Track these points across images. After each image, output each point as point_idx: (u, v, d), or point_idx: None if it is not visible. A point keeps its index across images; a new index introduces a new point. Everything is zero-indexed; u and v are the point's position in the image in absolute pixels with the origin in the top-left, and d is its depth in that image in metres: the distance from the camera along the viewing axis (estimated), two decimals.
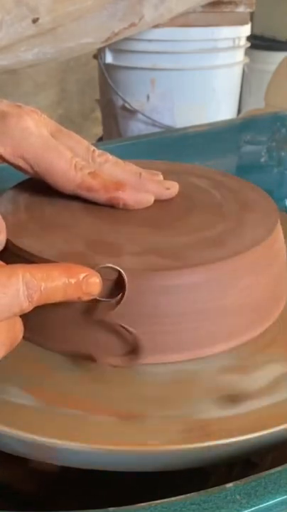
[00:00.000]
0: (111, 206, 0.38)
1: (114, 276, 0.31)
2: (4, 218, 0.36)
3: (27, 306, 0.28)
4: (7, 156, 0.37)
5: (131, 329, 0.31)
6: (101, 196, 0.38)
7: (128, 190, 0.38)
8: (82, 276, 0.30)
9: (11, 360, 0.30)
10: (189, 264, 0.32)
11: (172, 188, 0.40)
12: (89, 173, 0.37)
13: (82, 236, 0.35)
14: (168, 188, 0.40)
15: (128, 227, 0.36)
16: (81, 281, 0.30)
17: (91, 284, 0.30)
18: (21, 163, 0.37)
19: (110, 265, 0.31)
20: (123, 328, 0.32)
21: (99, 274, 0.30)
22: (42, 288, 0.28)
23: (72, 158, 0.37)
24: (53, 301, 0.29)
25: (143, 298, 0.32)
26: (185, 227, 0.36)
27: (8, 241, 0.35)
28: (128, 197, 0.38)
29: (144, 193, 0.38)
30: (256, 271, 0.35)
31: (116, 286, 0.31)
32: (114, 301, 0.31)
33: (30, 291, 0.27)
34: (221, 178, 0.44)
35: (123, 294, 0.31)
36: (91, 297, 0.30)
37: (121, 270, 0.31)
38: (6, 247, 0.35)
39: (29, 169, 0.37)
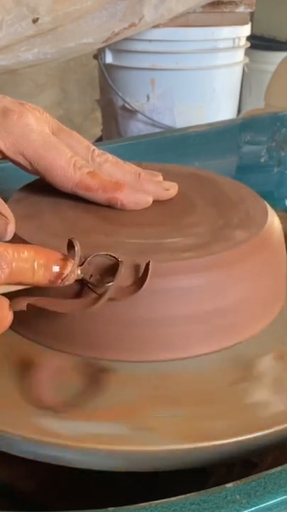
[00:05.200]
0: (109, 206, 0.38)
1: (110, 264, 0.31)
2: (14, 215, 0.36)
3: None
4: (7, 151, 0.37)
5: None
6: (100, 196, 0.38)
7: (126, 190, 0.38)
8: (53, 257, 0.29)
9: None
10: (186, 265, 0.33)
11: (172, 189, 0.40)
12: (88, 173, 0.37)
13: (82, 235, 0.35)
14: (167, 189, 0.40)
15: (128, 227, 0.36)
16: (51, 262, 0.29)
17: (62, 265, 0.29)
18: (21, 159, 0.37)
19: (104, 253, 0.31)
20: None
21: (73, 260, 0.30)
22: (13, 265, 0.28)
23: (71, 157, 0.37)
24: (23, 282, 0.29)
25: (140, 297, 0.32)
26: (183, 228, 0.36)
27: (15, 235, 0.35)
28: (126, 197, 0.38)
29: (142, 194, 0.38)
30: (253, 268, 0.35)
31: (111, 275, 0.31)
32: (106, 287, 0.30)
33: (2, 263, 0.27)
34: (218, 179, 0.44)
35: (118, 275, 0.31)
36: (66, 283, 0.30)
37: (117, 257, 0.31)
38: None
39: (28, 166, 0.37)
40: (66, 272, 0.29)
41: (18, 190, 0.41)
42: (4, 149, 0.37)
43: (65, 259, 0.30)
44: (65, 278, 0.29)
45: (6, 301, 0.29)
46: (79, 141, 0.39)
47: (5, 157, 0.37)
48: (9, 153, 0.37)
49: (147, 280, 0.31)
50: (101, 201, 0.38)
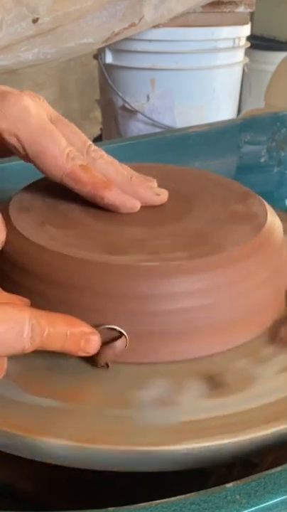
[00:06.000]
0: (93, 203, 0.38)
1: (115, 336, 0.32)
2: (15, 218, 0.36)
3: (28, 348, 0.28)
4: (3, 133, 0.36)
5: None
6: (88, 191, 0.37)
7: (114, 190, 0.37)
8: (83, 331, 0.30)
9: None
10: (184, 266, 0.33)
11: (162, 195, 0.39)
12: (81, 166, 0.37)
13: (84, 235, 0.35)
14: (158, 195, 0.39)
15: (130, 227, 0.36)
16: (81, 336, 0.30)
17: (90, 341, 0.30)
18: (14, 141, 0.36)
19: (113, 326, 0.32)
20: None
21: (98, 333, 0.31)
22: (45, 333, 0.28)
23: (66, 146, 0.36)
24: (51, 349, 0.29)
25: (143, 298, 0.32)
26: (182, 229, 0.37)
27: (13, 238, 0.35)
28: (114, 197, 0.37)
29: (129, 197, 0.38)
30: (254, 269, 0.35)
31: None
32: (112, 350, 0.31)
33: (33, 333, 0.28)
34: (217, 179, 0.44)
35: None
36: (87, 354, 0.31)
37: (123, 332, 0.32)
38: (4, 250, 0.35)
39: (21, 150, 0.36)
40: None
41: (20, 192, 0.41)
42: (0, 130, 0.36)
43: (93, 333, 0.31)
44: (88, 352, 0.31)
45: (5, 360, 0.30)
46: (76, 133, 0.39)
47: (0, 139, 0.37)
48: (5, 134, 0.36)
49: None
50: (87, 196, 0.37)
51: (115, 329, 0.32)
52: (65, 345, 0.30)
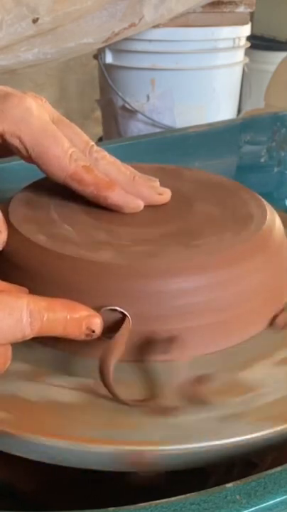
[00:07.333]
0: (96, 203, 0.38)
1: (118, 317, 0.32)
2: (15, 218, 0.36)
3: (29, 333, 0.28)
4: (5, 134, 0.36)
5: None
6: (91, 192, 0.37)
7: (117, 190, 0.37)
8: (83, 314, 0.30)
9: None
10: (185, 265, 0.33)
11: (165, 194, 0.40)
12: (83, 167, 0.37)
13: (85, 235, 0.35)
14: (160, 194, 0.39)
15: (132, 228, 0.36)
16: (82, 319, 0.30)
17: (92, 324, 0.30)
18: (17, 143, 0.36)
19: (115, 308, 0.31)
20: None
21: (100, 316, 0.30)
22: (44, 318, 0.28)
23: (69, 147, 0.37)
24: (53, 334, 0.29)
25: (144, 298, 0.32)
26: (182, 229, 0.37)
27: (14, 239, 0.35)
28: (117, 198, 0.37)
29: (133, 197, 0.38)
30: (254, 268, 0.35)
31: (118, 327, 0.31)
32: (114, 340, 0.31)
33: (32, 319, 0.28)
34: (217, 179, 0.44)
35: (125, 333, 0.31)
36: (91, 337, 0.31)
37: (126, 313, 0.31)
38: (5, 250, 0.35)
39: (24, 151, 0.37)
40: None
41: (20, 192, 0.41)
42: (1, 132, 0.36)
43: (94, 315, 0.31)
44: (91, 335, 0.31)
45: (10, 348, 0.29)
46: (78, 134, 0.39)
47: (2, 140, 0.37)
48: (7, 136, 0.36)
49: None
50: (90, 197, 0.38)
51: (117, 310, 0.32)
52: (66, 329, 0.29)
